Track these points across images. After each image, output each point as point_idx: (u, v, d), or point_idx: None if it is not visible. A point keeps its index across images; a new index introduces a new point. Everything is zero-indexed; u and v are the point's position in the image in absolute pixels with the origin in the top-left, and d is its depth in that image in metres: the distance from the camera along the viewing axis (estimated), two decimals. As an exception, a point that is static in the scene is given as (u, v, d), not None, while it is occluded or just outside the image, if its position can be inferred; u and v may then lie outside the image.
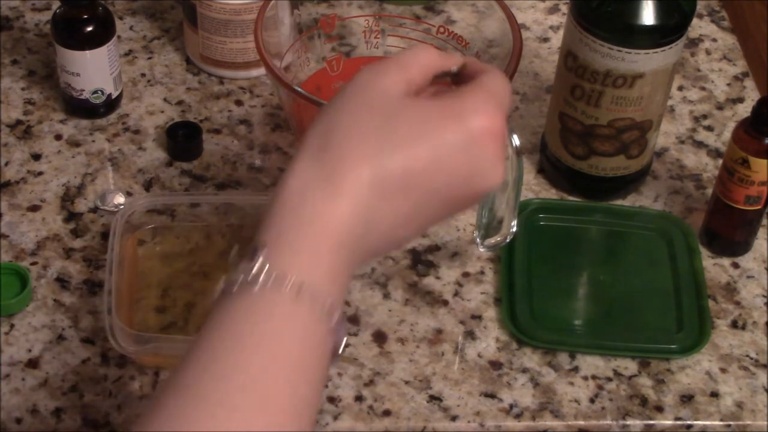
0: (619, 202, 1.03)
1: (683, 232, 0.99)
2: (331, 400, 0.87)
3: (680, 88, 1.14)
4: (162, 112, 1.08)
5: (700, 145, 1.09)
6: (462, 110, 0.66)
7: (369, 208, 0.64)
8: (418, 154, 0.65)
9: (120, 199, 1.00)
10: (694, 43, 1.20)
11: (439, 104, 0.66)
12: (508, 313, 0.92)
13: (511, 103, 0.69)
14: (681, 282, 0.95)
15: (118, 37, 1.09)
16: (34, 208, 0.99)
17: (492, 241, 0.91)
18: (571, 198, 1.03)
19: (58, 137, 1.05)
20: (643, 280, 0.96)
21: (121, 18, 1.17)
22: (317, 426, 0.86)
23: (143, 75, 1.12)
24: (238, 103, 1.10)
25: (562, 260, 0.97)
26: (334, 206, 0.63)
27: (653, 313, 0.94)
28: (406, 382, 0.89)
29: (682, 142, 1.09)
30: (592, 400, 0.89)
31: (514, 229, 0.91)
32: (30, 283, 0.91)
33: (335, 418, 0.86)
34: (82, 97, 1.05)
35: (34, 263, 0.95)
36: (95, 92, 1.05)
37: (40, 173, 1.02)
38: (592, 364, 0.91)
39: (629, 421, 0.88)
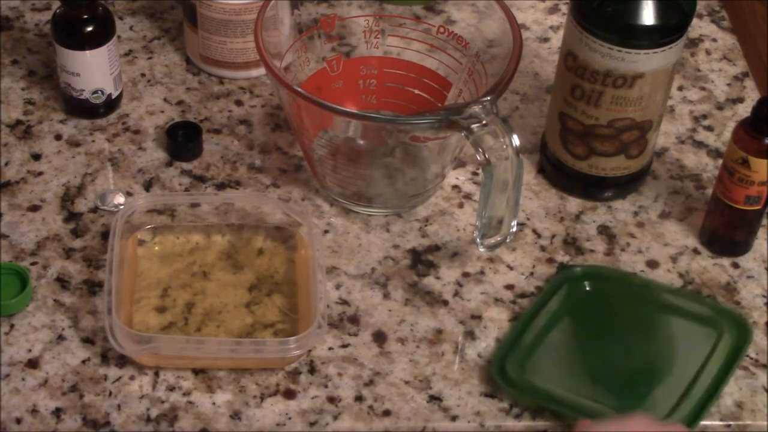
0: (619, 201, 1.03)
1: (739, 329, 0.92)
2: (331, 400, 0.87)
3: (680, 88, 1.14)
4: (162, 112, 1.08)
5: (700, 145, 1.09)
6: None
7: None
8: None
9: (120, 199, 1.00)
10: (694, 43, 1.20)
11: None
12: (499, 360, 0.89)
13: None
14: (704, 369, 0.89)
15: (118, 37, 1.09)
16: (34, 208, 0.99)
17: (492, 241, 0.91)
18: (571, 197, 1.03)
19: (58, 137, 1.05)
20: (663, 365, 0.91)
21: (121, 18, 1.17)
22: (317, 426, 0.86)
23: (143, 75, 1.12)
24: (238, 103, 1.10)
25: (589, 325, 0.93)
26: None
27: (655, 393, 0.89)
28: (406, 382, 0.89)
29: (682, 142, 1.09)
30: (592, 400, 0.89)
31: (514, 229, 0.91)
32: (30, 283, 0.91)
33: (335, 418, 0.86)
34: (82, 97, 1.05)
35: (34, 263, 0.95)
36: (95, 92, 1.05)
37: (40, 173, 1.02)
38: (592, 364, 0.91)
39: (629, 421, 0.88)
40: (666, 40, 0.93)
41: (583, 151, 1.00)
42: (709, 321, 0.93)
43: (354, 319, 0.93)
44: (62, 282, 0.94)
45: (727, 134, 1.09)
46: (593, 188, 1.03)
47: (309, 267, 0.91)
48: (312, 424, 0.86)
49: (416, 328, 0.92)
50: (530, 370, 0.89)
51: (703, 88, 1.15)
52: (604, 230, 1.01)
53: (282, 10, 0.98)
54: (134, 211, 0.95)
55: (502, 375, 0.88)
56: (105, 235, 0.96)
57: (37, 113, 1.07)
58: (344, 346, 0.91)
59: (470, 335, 0.92)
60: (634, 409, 0.83)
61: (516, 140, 0.87)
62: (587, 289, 0.95)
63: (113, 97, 1.06)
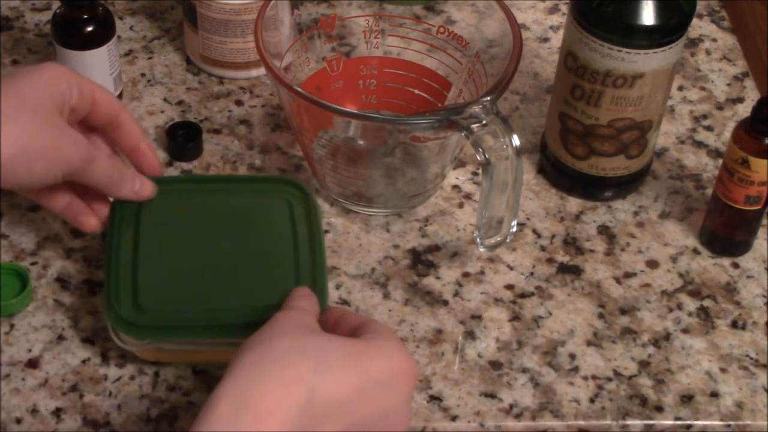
0: (619, 201, 1.03)
1: (298, 191, 0.92)
2: (331, 400, 0.87)
3: (680, 88, 1.14)
4: (162, 112, 1.08)
5: (700, 145, 1.09)
6: (385, 350, 0.72)
7: (296, 428, 0.67)
8: (347, 381, 0.69)
9: (120, 199, 1.00)
10: (694, 43, 1.20)
11: (362, 342, 0.73)
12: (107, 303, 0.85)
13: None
14: (299, 246, 0.89)
15: (118, 37, 1.09)
16: (34, 208, 0.99)
17: (492, 241, 0.91)
18: (571, 197, 1.03)
19: (58, 137, 1.05)
20: (263, 247, 0.89)
21: (121, 18, 1.17)
22: (317, 426, 0.86)
23: (143, 75, 1.12)
24: (238, 103, 1.10)
25: (172, 237, 0.90)
26: (263, 426, 0.66)
27: (274, 279, 0.87)
28: (406, 382, 0.89)
29: (682, 142, 1.09)
30: (592, 400, 0.89)
31: (514, 229, 0.91)
32: (30, 284, 0.91)
33: (335, 418, 0.86)
34: (82, 97, 1.05)
35: (34, 263, 0.95)
36: (95, 92, 1.05)
37: (40, 173, 1.02)
38: (592, 364, 0.91)
39: (629, 421, 0.88)
40: (666, 40, 0.93)
41: (583, 151, 1.00)
42: (274, 193, 0.92)
43: (354, 319, 0.93)
44: (62, 282, 0.94)
45: (727, 134, 1.09)
46: (593, 188, 1.03)
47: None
48: (312, 424, 0.86)
49: (416, 328, 0.92)
50: (149, 307, 0.84)
51: (703, 88, 1.15)
52: (604, 230, 1.01)
53: (282, 10, 0.98)
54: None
55: (127, 324, 0.84)
56: (105, 235, 0.96)
57: (37, 113, 1.07)
58: (344, 346, 0.91)
59: (470, 335, 0.92)
60: (265, 299, 0.83)
61: (516, 140, 0.87)
62: (155, 203, 0.91)
63: (113, 97, 1.06)
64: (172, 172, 1.03)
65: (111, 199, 0.91)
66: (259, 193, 0.93)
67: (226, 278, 0.87)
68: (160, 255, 0.88)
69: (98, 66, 1.03)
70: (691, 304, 0.96)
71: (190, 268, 0.87)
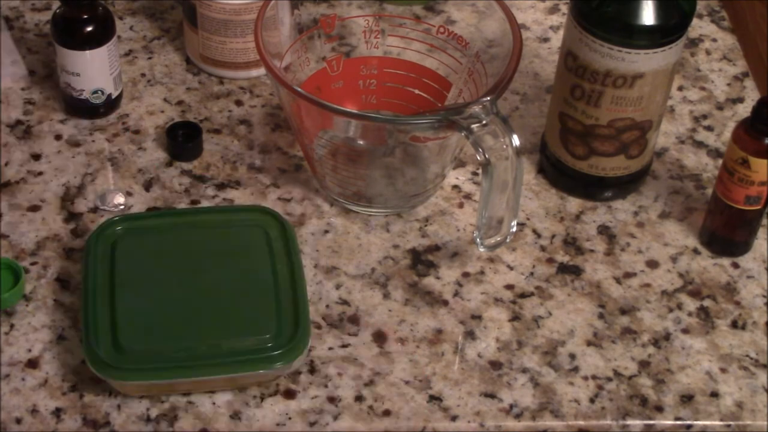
0: (619, 201, 1.03)
1: (275, 219, 0.93)
2: (331, 400, 0.87)
3: (680, 88, 1.14)
4: (162, 112, 1.08)
5: (700, 145, 1.09)
6: None
7: None
8: None
9: (120, 199, 1.00)
10: (694, 43, 1.20)
11: None
12: (87, 348, 0.85)
13: None
14: (278, 277, 0.89)
15: (118, 37, 1.09)
16: (34, 208, 0.99)
17: (492, 241, 0.91)
18: (571, 197, 1.03)
19: (58, 137, 1.05)
20: (242, 280, 0.89)
21: (121, 18, 1.17)
22: (317, 426, 0.86)
23: (143, 75, 1.12)
24: (238, 103, 1.10)
25: (149, 275, 0.89)
26: None
27: (255, 314, 0.87)
28: (406, 382, 0.89)
29: (682, 142, 1.09)
30: (592, 400, 0.89)
31: (514, 229, 0.91)
32: (23, 277, 0.91)
33: (335, 418, 0.86)
34: (82, 97, 1.05)
35: (34, 263, 0.95)
36: (95, 92, 1.05)
37: (40, 173, 1.02)
38: (592, 364, 0.91)
39: (629, 421, 0.88)
40: (666, 40, 0.93)
41: (583, 151, 1.00)
42: (249, 223, 0.93)
43: (354, 319, 0.93)
44: (62, 282, 0.94)
45: (727, 134, 1.09)
46: (593, 188, 1.03)
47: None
48: (312, 424, 0.86)
49: (416, 328, 0.92)
50: (128, 347, 0.84)
51: (703, 88, 1.15)
52: (604, 230, 1.01)
53: (282, 10, 0.99)
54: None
55: (107, 367, 0.84)
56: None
57: (37, 113, 1.07)
58: (344, 346, 0.91)
59: (470, 335, 0.92)
60: (247, 334, 0.85)
61: (516, 140, 0.87)
62: (129, 242, 0.91)
63: (113, 97, 1.06)
64: (172, 171, 1.03)
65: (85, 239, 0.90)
66: (235, 224, 0.93)
67: (206, 314, 0.87)
68: (137, 294, 0.87)
69: (98, 66, 1.03)
70: (691, 304, 0.96)
71: (169, 306, 0.87)
